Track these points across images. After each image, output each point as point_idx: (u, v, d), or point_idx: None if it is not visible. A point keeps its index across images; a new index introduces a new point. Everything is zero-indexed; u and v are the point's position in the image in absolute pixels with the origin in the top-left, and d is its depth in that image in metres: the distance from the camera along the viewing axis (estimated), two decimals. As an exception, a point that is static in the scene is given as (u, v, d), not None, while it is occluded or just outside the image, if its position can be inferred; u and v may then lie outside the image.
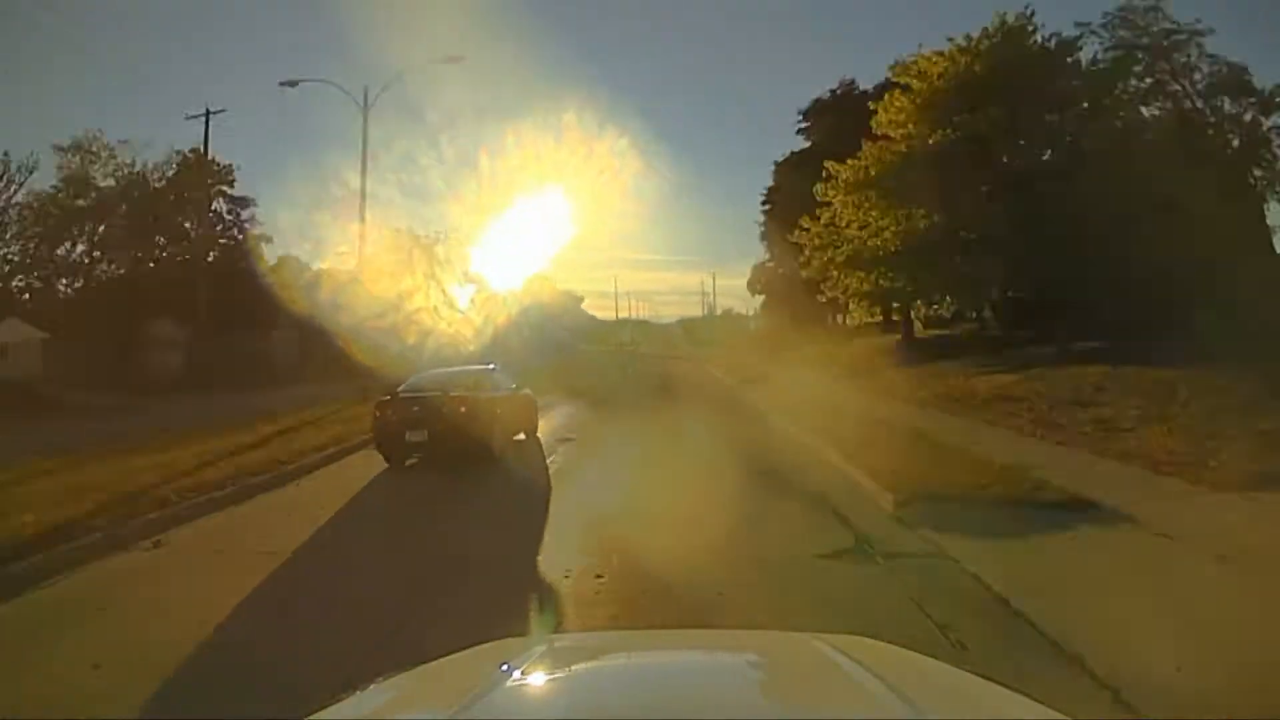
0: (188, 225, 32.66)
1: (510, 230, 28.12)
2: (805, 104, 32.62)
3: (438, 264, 29.37)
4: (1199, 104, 19.80)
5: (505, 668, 1.35)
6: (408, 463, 9.32)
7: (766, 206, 36.27)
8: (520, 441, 10.69)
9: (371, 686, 1.38)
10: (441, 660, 1.52)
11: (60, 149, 30.46)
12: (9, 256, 30.74)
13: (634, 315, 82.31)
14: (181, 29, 56.10)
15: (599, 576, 4.83)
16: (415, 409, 9.11)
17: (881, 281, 19.60)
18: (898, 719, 1.10)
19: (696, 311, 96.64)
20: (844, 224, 19.72)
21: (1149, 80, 20.01)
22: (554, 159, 25.33)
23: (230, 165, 32.38)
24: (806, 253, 21.32)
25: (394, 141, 36.67)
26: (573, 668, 1.51)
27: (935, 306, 21.60)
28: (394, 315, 24.21)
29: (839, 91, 30.98)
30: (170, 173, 32.14)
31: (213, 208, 32.01)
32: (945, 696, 1.31)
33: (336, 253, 26.13)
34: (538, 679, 1.37)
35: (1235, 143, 19.63)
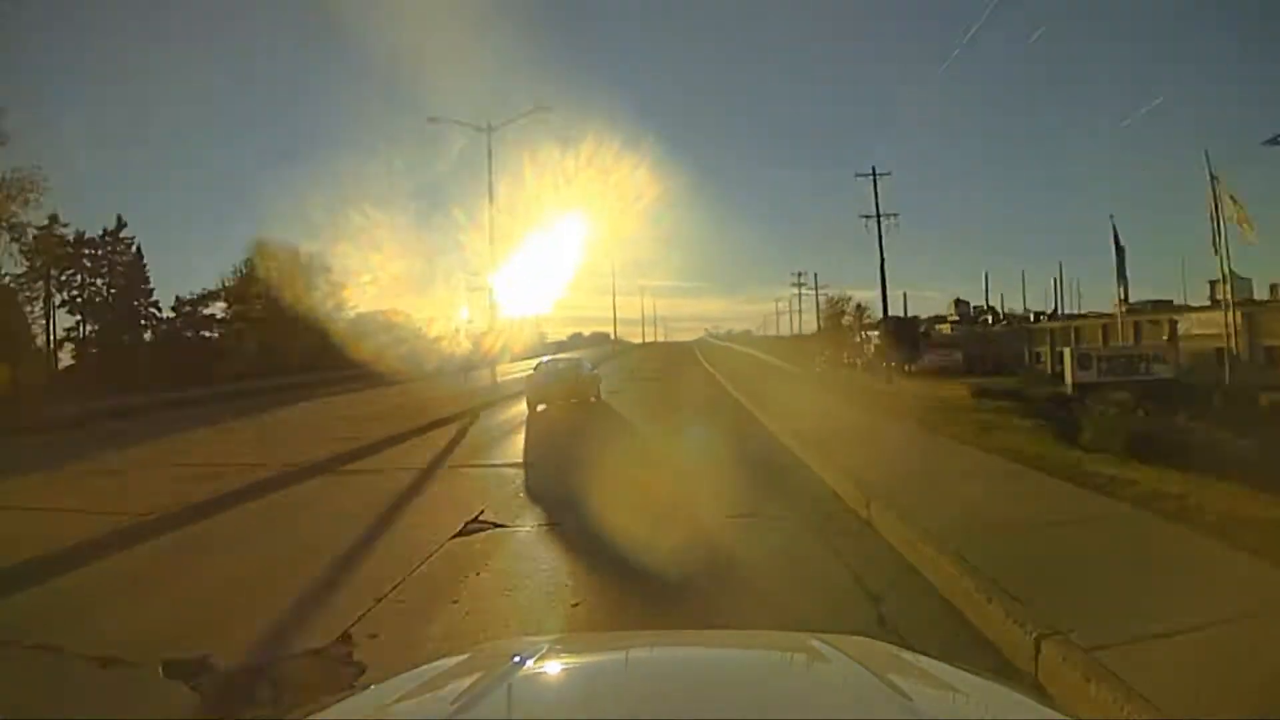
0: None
1: (529, 257, 28.58)
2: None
3: (458, 292, 30.31)
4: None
5: (505, 668, 1.36)
6: (539, 408, 16.69)
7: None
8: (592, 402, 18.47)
9: (372, 686, 1.40)
10: (442, 660, 1.53)
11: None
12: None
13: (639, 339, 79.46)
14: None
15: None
16: (547, 378, 17.60)
17: None
18: (897, 719, 1.11)
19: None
20: None
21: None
22: (572, 188, 25.78)
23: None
24: None
25: (414, 171, 37.52)
26: (572, 668, 1.52)
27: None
28: (416, 341, 25.19)
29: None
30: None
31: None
32: (945, 696, 1.31)
33: (359, 282, 27.07)
34: (537, 679, 1.38)
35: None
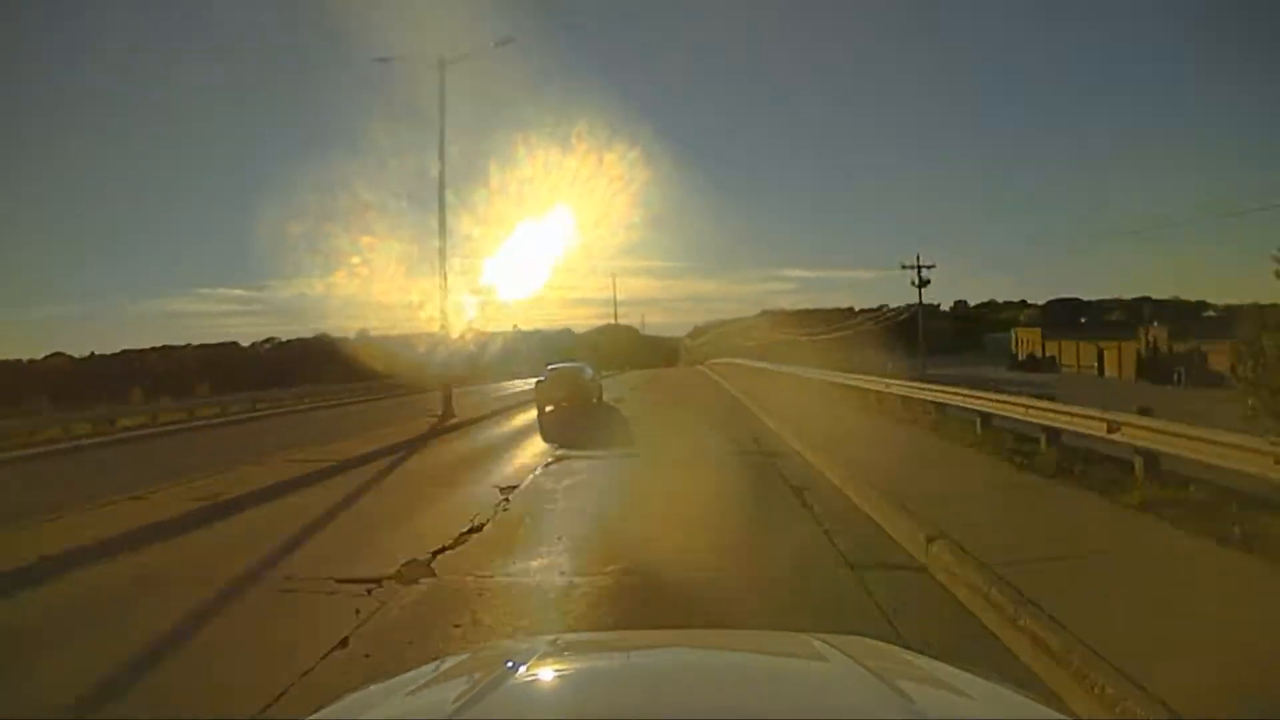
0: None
1: (519, 240, 28.37)
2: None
3: (448, 276, 30.18)
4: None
5: (505, 668, 1.35)
6: (548, 409, 19.42)
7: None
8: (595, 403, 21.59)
9: (371, 687, 1.39)
10: (442, 661, 1.53)
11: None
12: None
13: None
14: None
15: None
16: (555, 383, 20.29)
17: None
18: (897, 718, 1.10)
19: (707, 318, 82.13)
20: None
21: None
22: (563, 169, 25.57)
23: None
24: None
25: (405, 152, 36.91)
26: (572, 668, 1.52)
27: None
28: (404, 327, 25.18)
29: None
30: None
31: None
32: (945, 696, 1.31)
33: (348, 264, 26.80)
34: (538, 679, 1.37)
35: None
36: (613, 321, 70.94)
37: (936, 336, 58.11)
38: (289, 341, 67.40)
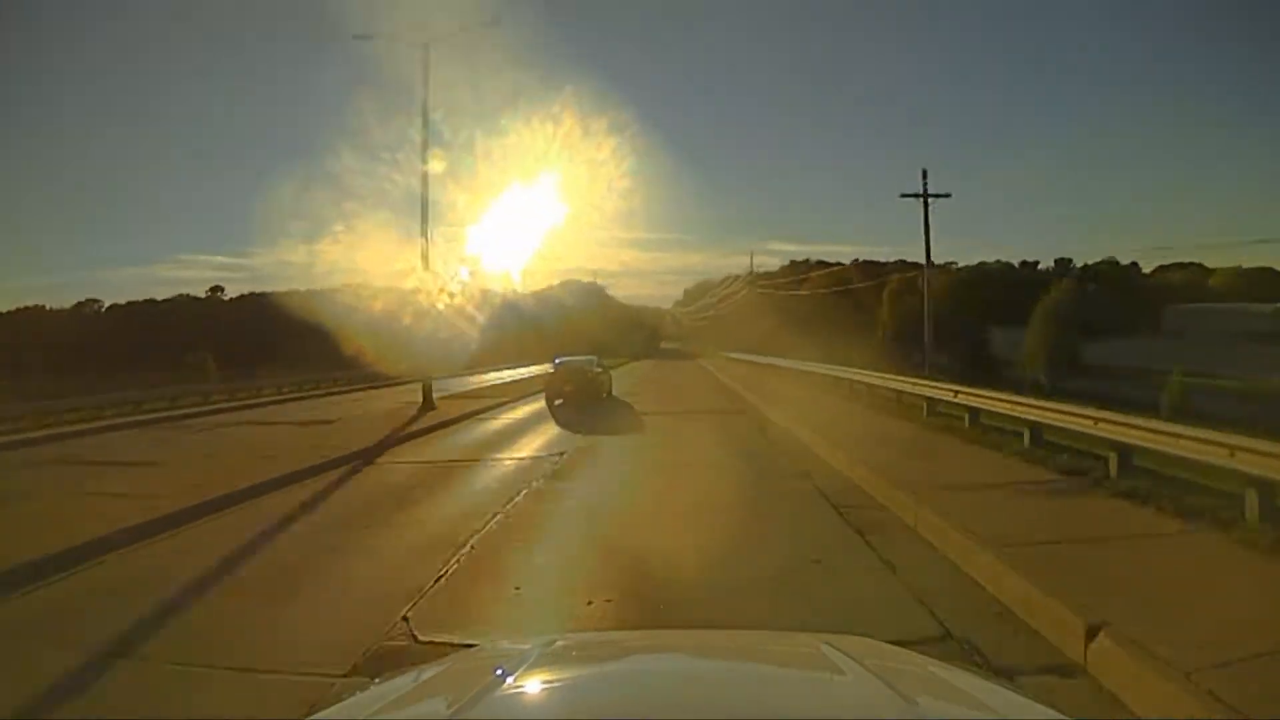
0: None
1: (506, 211, 27.99)
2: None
3: (434, 246, 30.00)
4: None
5: (504, 668, 1.34)
6: (556, 402, 18.90)
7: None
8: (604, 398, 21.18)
9: (371, 687, 1.38)
10: (441, 661, 1.52)
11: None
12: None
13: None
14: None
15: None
16: (565, 376, 19.95)
17: None
18: (898, 719, 1.10)
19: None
20: None
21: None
22: (550, 139, 25.18)
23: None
24: None
25: (389, 120, 36.25)
26: (572, 668, 1.51)
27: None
28: (387, 301, 24.84)
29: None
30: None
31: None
32: (946, 696, 1.32)
33: (333, 232, 26.67)
34: (537, 679, 1.36)
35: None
36: (566, 280, 50.06)
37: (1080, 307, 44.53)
38: (119, 306, 51.37)
